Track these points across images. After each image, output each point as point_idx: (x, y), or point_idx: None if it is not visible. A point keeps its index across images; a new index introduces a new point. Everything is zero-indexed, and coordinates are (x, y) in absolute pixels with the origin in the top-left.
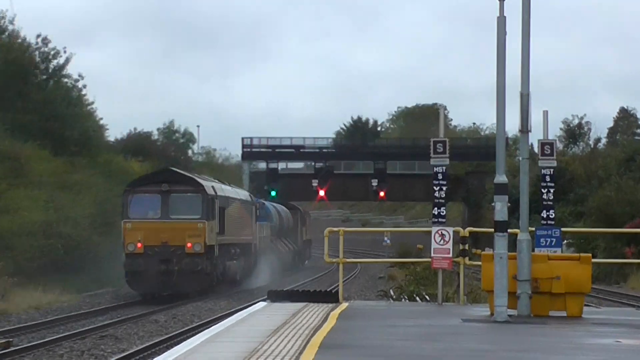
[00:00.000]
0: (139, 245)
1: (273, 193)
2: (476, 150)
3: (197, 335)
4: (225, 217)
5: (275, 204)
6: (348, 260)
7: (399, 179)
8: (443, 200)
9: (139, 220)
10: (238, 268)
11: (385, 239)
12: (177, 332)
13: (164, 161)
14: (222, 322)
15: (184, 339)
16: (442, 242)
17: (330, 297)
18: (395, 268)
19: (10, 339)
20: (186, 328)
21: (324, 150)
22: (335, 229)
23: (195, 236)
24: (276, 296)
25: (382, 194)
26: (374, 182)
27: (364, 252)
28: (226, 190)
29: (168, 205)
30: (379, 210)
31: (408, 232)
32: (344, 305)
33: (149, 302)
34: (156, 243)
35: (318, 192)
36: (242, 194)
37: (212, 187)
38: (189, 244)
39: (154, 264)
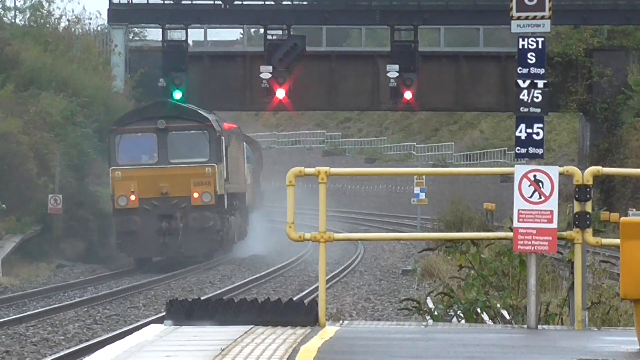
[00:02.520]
0: (133, 198)
1: (177, 94)
2: (610, 3)
3: None
4: (228, 159)
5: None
6: (338, 236)
7: (443, 64)
8: (539, 110)
9: (131, 167)
10: (236, 227)
11: (417, 191)
12: None
13: None
14: None
15: None
16: (536, 198)
17: (301, 315)
18: (437, 252)
19: None
20: None
21: (285, 3)
22: (309, 169)
23: (203, 184)
24: (186, 312)
25: (408, 95)
26: (392, 72)
27: (371, 218)
28: (222, 121)
29: (167, 146)
30: (401, 130)
31: (463, 175)
32: (329, 331)
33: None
34: (154, 195)
35: (273, 93)
36: (238, 124)
37: (217, 120)
38: (195, 194)
39: (153, 221)
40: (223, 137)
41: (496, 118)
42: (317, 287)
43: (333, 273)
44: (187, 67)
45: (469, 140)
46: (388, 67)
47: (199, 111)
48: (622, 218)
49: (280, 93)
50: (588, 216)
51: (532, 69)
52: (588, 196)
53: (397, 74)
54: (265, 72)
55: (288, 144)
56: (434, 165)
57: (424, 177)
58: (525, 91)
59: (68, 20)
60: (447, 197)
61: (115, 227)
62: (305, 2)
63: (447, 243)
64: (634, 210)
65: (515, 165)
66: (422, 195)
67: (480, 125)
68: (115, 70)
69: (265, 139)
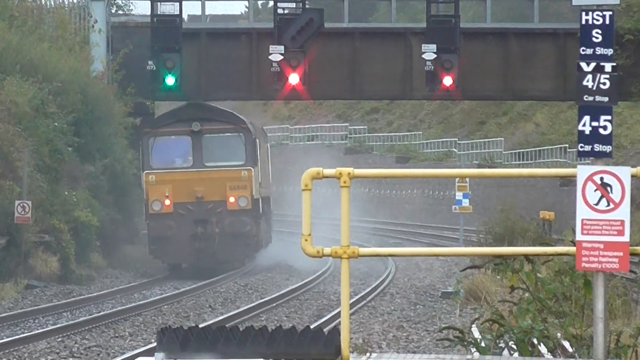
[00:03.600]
0: (167, 203)
1: (170, 79)
2: None
3: None
4: (260, 162)
5: None
6: (364, 250)
7: (489, 43)
8: (606, 99)
9: (165, 171)
10: (264, 232)
11: (459, 196)
12: None
13: None
14: None
15: None
16: (603, 205)
17: (319, 346)
18: (484, 270)
19: None
20: None
21: None
22: (329, 170)
23: (239, 188)
24: (181, 343)
25: (447, 81)
26: (428, 53)
27: (403, 229)
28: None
29: (201, 149)
30: (440, 124)
31: (515, 177)
32: None
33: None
34: (189, 199)
35: (285, 79)
36: (255, 122)
37: (251, 122)
38: (231, 199)
39: (187, 226)
40: (257, 140)
41: (554, 108)
42: (339, 313)
43: (358, 295)
44: (181, 47)
45: (522, 136)
46: (423, 47)
47: (234, 113)
48: None
49: (294, 78)
50: None
51: (597, 49)
52: None
53: (435, 56)
54: (276, 53)
55: (303, 140)
56: (479, 166)
57: (467, 179)
58: (589, 76)
59: None
60: (495, 204)
61: (149, 232)
62: None
63: (496, 259)
64: None
65: (578, 166)
66: (466, 202)
67: (535, 117)
68: (94, 51)
69: (276, 134)
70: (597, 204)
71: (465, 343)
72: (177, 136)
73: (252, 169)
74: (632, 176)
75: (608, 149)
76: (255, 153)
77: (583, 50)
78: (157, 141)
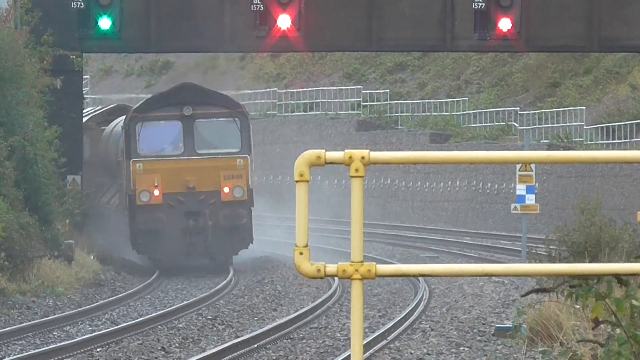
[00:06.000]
0: (156, 193)
1: (104, 22)
2: None
3: None
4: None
5: None
6: (384, 268)
7: None
8: None
9: (154, 159)
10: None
11: (521, 191)
12: None
13: None
14: None
15: None
16: None
17: None
18: (556, 296)
19: None
20: None
21: None
22: (334, 153)
23: (235, 177)
24: None
25: (505, 25)
26: None
27: (441, 238)
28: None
29: (193, 135)
30: (494, 87)
31: (601, 163)
32: None
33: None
34: (180, 189)
35: (272, 21)
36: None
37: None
38: (225, 189)
39: (178, 218)
40: (250, 125)
41: None
42: (348, 358)
43: (376, 333)
44: None
45: (611, 103)
46: None
47: (229, 96)
48: None
49: (284, 21)
50: None
51: None
52: None
53: None
54: None
55: (297, 110)
56: (549, 147)
57: (533, 166)
58: None
59: None
60: (573, 201)
61: (137, 225)
62: None
63: (573, 281)
64: None
65: None
66: (531, 199)
67: (632, 76)
68: None
69: (259, 101)
70: None
71: None
72: (167, 121)
73: (248, 157)
74: None
75: None
76: (250, 139)
77: None
78: (144, 126)
